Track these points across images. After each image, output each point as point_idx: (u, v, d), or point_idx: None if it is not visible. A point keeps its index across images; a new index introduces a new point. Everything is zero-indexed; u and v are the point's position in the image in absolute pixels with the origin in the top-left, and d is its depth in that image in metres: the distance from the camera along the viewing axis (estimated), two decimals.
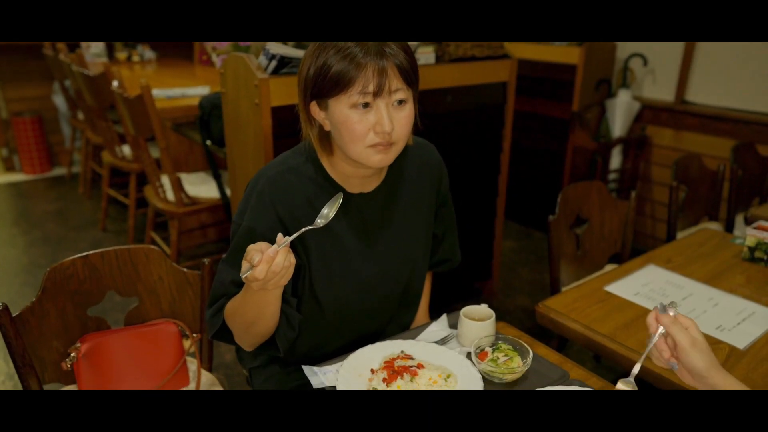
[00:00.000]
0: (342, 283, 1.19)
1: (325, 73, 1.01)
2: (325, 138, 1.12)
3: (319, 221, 1.01)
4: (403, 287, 1.29)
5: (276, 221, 1.11)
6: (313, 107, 1.08)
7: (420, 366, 1.09)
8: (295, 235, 0.97)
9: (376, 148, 1.06)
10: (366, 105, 1.02)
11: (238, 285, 1.11)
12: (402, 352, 1.15)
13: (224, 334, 1.16)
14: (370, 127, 1.04)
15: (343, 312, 1.22)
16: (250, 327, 1.10)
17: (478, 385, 1.06)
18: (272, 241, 1.10)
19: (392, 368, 1.08)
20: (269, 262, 0.91)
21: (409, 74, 1.04)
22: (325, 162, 1.16)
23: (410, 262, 1.27)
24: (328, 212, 1.01)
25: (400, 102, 1.05)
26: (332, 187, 1.16)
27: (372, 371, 1.10)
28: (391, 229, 1.23)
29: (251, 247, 0.94)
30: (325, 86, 1.02)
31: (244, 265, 0.94)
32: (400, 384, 1.05)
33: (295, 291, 1.17)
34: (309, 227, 1.01)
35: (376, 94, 1.01)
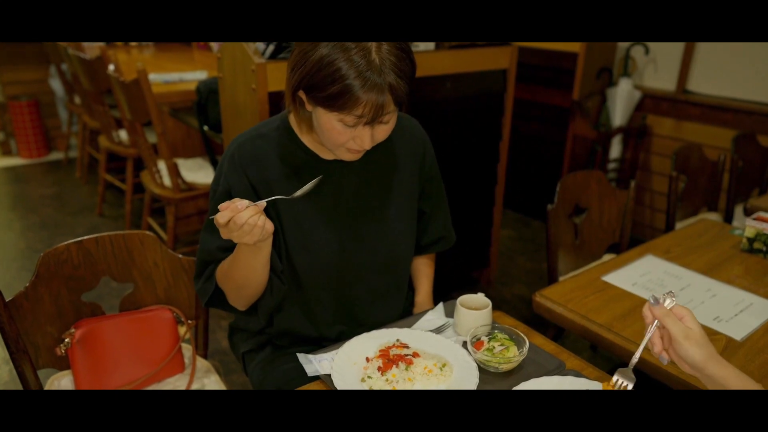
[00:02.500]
0: (317, 249, 1.20)
1: (324, 87, 0.98)
2: (306, 114, 1.12)
3: (297, 194, 1.04)
4: (385, 259, 1.27)
5: (247, 184, 1.15)
6: (301, 93, 1.06)
7: (415, 355, 1.09)
8: (269, 199, 1.02)
9: (350, 151, 1.09)
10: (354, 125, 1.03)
11: (224, 250, 1.16)
12: (398, 340, 1.15)
13: (217, 300, 1.20)
14: (350, 138, 1.05)
15: (321, 281, 1.23)
16: (239, 290, 1.15)
17: (473, 374, 1.06)
18: None
19: (387, 357, 1.08)
20: (234, 211, 0.95)
21: (403, 99, 1.03)
22: (300, 129, 1.17)
23: (389, 231, 1.26)
24: (305, 188, 1.04)
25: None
26: (304, 153, 1.18)
27: (367, 359, 1.09)
28: (367, 196, 1.23)
29: (233, 200, 0.98)
30: (320, 97, 1.00)
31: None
32: (396, 373, 1.04)
33: (281, 258, 1.19)
34: (283, 197, 1.05)
35: (367, 123, 1.02)
